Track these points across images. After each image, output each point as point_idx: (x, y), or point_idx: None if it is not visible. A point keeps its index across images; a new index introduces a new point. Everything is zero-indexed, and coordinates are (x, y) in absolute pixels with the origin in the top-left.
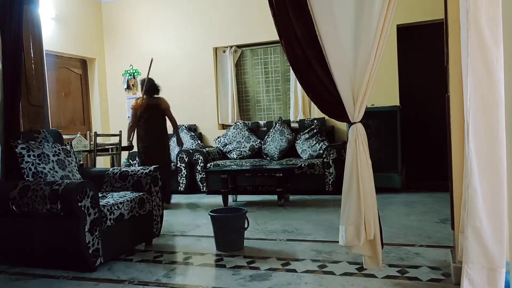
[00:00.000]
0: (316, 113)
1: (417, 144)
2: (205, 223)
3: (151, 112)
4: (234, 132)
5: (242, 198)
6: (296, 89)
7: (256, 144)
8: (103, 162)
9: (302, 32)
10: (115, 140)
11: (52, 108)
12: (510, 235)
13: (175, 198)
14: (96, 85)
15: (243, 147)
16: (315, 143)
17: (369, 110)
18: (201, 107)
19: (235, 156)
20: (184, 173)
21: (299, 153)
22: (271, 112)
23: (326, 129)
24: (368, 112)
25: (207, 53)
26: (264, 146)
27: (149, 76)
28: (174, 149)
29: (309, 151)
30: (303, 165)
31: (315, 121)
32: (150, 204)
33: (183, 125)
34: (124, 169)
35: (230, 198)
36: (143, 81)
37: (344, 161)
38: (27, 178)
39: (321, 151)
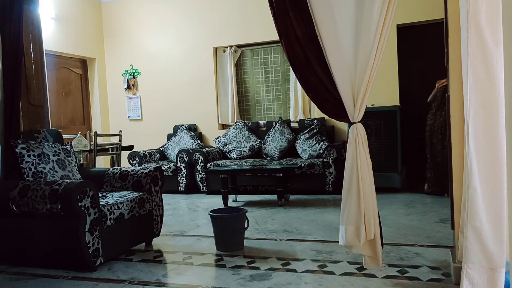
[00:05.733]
0: (316, 113)
1: (417, 144)
2: (205, 223)
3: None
4: (234, 132)
5: (242, 198)
6: (296, 89)
7: (256, 144)
8: (103, 162)
9: (302, 32)
10: (115, 140)
11: (52, 108)
12: (510, 235)
13: (175, 198)
14: (96, 85)
15: (243, 147)
16: (315, 143)
17: (369, 110)
18: (201, 107)
19: (235, 156)
20: (184, 173)
21: (299, 153)
22: (271, 112)
23: (326, 129)
24: (368, 112)
25: (207, 53)
26: (264, 146)
27: None
28: (174, 149)
29: (309, 151)
30: (303, 165)
31: (315, 121)
32: (150, 204)
33: (183, 125)
34: (124, 169)
35: (230, 198)
36: None
37: (344, 161)
38: (27, 178)
39: (321, 151)
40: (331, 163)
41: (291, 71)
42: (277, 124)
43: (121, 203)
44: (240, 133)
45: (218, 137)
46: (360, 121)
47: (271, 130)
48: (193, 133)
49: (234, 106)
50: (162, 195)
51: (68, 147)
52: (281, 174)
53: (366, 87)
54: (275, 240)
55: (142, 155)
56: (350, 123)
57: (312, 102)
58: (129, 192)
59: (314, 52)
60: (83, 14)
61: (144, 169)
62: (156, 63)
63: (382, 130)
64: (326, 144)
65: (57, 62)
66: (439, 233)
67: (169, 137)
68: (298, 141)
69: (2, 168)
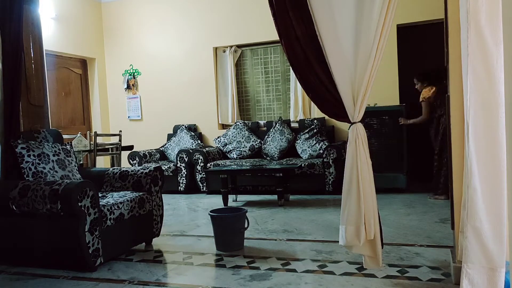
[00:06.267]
0: (316, 113)
1: (417, 144)
2: (205, 223)
3: None
4: (234, 132)
5: (242, 198)
6: (296, 89)
7: (256, 144)
8: (103, 162)
9: (302, 32)
10: (115, 140)
11: (52, 108)
12: (510, 235)
13: (175, 198)
14: (96, 85)
15: (243, 147)
16: (315, 143)
17: (372, 109)
18: (201, 107)
19: (235, 156)
20: (184, 173)
21: (299, 153)
22: (271, 112)
23: (326, 129)
24: (371, 112)
25: (207, 53)
26: (264, 146)
27: None
28: (174, 149)
29: (309, 151)
30: (303, 165)
31: (315, 121)
32: (150, 204)
33: (183, 125)
34: (124, 169)
35: (230, 198)
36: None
37: (344, 161)
38: (27, 178)
39: (321, 151)
40: (331, 163)
41: (291, 71)
42: (277, 124)
43: (121, 203)
44: (240, 133)
45: (218, 137)
46: (361, 121)
47: (271, 130)
48: (193, 133)
49: (234, 106)
50: (162, 195)
51: (68, 147)
52: (281, 174)
53: (366, 87)
54: (275, 240)
55: (142, 155)
56: (350, 123)
57: (312, 102)
58: (129, 192)
59: (314, 52)
60: (83, 14)
61: (144, 169)
62: (156, 63)
63: (386, 130)
64: (326, 144)
65: (57, 62)
66: (439, 233)
67: (169, 137)
68: (298, 141)
69: (2, 168)
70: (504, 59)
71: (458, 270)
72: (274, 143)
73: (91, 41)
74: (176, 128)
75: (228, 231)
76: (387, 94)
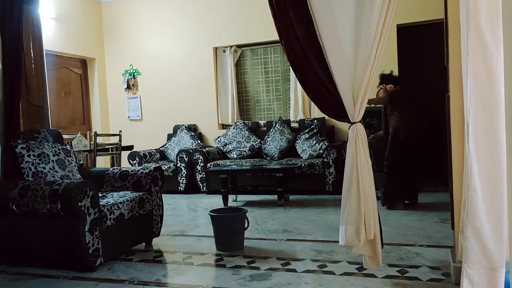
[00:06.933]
0: (316, 113)
1: (417, 144)
2: (205, 223)
3: None
4: (234, 132)
5: (242, 198)
6: (296, 89)
7: (256, 144)
8: (103, 162)
9: (302, 32)
10: (115, 140)
11: (52, 108)
12: (510, 235)
13: (175, 198)
14: (96, 85)
15: (243, 147)
16: (315, 143)
17: (370, 109)
18: (201, 107)
19: (235, 156)
20: (184, 173)
21: (299, 153)
22: (271, 112)
23: (326, 129)
24: (369, 112)
25: (207, 53)
26: (264, 146)
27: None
28: (174, 149)
29: (309, 151)
30: (303, 165)
31: (315, 121)
32: (150, 204)
33: (183, 125)
34: (124, 169)
35: (230, 198)
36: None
37: (344, 161)
38: (27, 178)
39: (321, 151)
40: (331, 163)
41: (291, 71)
42: (277, 124)
43: (121, 203)
44: (240, 133)
45: (218, 137)
46: (360, 121)
47: (271, 130)
48: (193, 133)
49: (234, 106)
50: (162, 195)
51: (68, 147)
52: (281, 174)
53: (366, 87)
54: (275, 240)
55: (142, 155)
56: (350, 123)
57: (312, 102)
58: (129, 192)
59: (314, 52)
60: (83, 14)
61: (144, 169)
62: (156, 63)
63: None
64: (326, 144)
65: (57, 62)
66: (439, 233)
67: (169, 137)
68: (298, 141)
69: (2, 168)
70: (504, 59)
71: (458, 270)
72: (274, 143)
73: (91, 41)
74: (176, 128)
75: (228, 231)
76: None
